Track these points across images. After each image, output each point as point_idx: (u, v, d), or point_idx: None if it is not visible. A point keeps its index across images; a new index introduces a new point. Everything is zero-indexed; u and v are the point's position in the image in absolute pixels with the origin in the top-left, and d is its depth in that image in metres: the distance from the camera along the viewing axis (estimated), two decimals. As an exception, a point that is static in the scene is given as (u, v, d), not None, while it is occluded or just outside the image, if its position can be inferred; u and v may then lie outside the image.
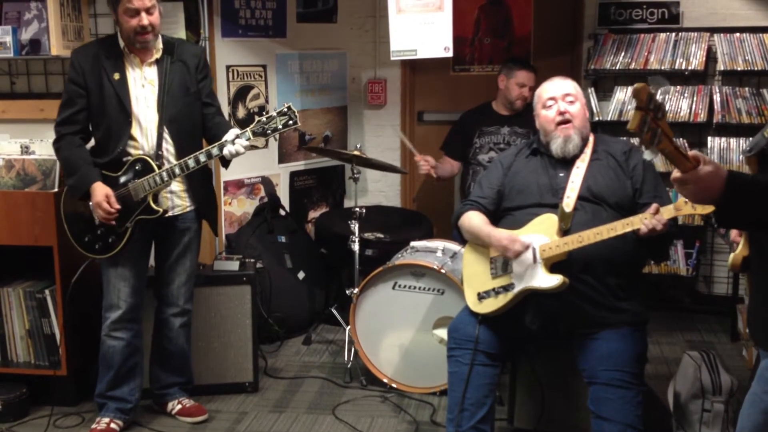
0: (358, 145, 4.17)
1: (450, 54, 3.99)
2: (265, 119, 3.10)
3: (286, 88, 4.87)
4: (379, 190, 5.41)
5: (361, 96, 5.33)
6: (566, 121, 2.95)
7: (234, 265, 3.77)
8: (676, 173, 1.81)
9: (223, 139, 3.12)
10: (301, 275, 4.59)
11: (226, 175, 4.54)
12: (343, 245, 4.10)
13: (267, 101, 4.75)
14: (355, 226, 4.01)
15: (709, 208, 2.50)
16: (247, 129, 3.11)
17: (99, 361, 3.38)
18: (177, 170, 3.12)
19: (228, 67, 4.47)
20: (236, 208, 4.67)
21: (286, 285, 4.48)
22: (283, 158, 4.93)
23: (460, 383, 2.86)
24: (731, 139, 4.49)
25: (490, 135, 4.44)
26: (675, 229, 2.76)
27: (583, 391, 2.81)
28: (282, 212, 4.80)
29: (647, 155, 1.79)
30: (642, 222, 2.63)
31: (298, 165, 5.06)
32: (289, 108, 3.09)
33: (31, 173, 3.52)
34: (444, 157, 4.61)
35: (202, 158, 3.12)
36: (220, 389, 3.75)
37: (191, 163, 3.12)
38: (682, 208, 2.61)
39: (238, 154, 3.12)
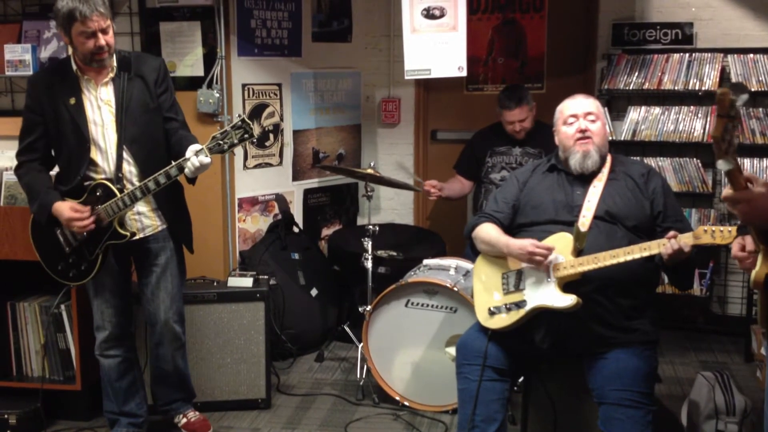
0: (372, 164, 4.19)
1: (464, 73, 4.01)
2: (219, 135, 2.92)
3: (301, 106, 4.91)
4: (392, 208, 5.43)
5: (375, 114, 5.36)
6: (586, 138, 2.95)
7: (248, 282, 3.80)
8: (728, 191, 1.77)
9: (182, 158, 2.98)
10: (314, 292, 4.60)
11: (240, 192, 4.58)
12: (356, 263, 4.12)
13: (282, 119, 4.78)
14: (368, 244, 4.03)
15: (728, 240, 2.48)
16: (203, 147, 2.95)
17: (101, 380, 3.39)
18: (138, 193, 3.01)
19: (244, 86, 4.52)
20: (250, 224, 4.70)
21: (299, 302, 4.49)
22: (297, 176, 4.96)
23: (470, 400, 2.86)
24: (745, 160, 4.47)
25: (502, 155, 4.43)
26: (696, 255, 2.74)
27: (594, 411, 2.80)
28: (295, 229, 4.82)
29: (722, 165, 1.70)
30: (660, 247, 2.63)
31: (312, 182, 5.08)
32: (243, 120, 2.91)
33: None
34: (456, 176, 4.62)
35: (162, 179, 2.99)
36: (232, 405, 3.76)
37: (151, 185, 3.00)
38: (702, 237, 2.58)
39: (195, 172, 2.98)
